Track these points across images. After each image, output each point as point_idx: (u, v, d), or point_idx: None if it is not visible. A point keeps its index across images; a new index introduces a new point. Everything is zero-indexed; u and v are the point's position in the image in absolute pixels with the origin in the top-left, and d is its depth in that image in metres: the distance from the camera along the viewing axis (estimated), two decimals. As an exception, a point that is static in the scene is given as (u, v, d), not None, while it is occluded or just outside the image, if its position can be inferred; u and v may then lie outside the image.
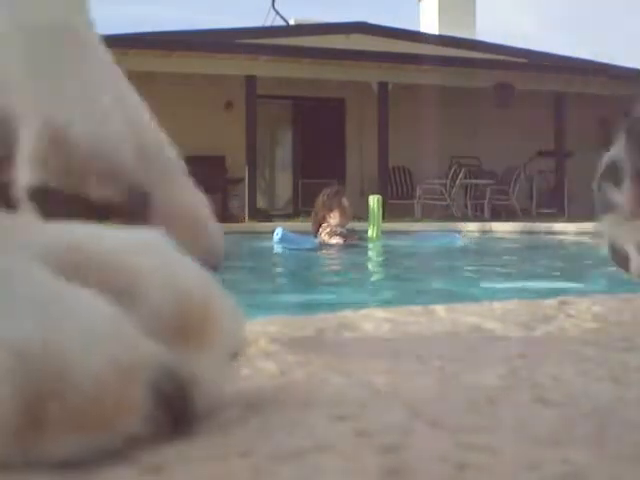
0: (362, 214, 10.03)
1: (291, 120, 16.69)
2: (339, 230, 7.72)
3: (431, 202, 15.31)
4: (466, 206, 15.80)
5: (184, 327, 0.48)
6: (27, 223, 0.52)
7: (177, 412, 0.46)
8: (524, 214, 15.19)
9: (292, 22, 18.13)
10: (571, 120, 15.79)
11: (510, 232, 11.47)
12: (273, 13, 18.67)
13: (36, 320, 0.43)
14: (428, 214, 14.84)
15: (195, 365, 0.48)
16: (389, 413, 0.51)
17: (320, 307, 3.78)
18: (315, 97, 16.07)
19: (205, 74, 14.24)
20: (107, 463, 0.42)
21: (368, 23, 16.38)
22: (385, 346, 0.77)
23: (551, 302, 1.07)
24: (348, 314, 0.97)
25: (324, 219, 7.83)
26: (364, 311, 0.99)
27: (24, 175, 0.55)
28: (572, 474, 0.39)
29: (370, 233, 8.99)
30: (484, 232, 11.74)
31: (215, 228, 0.67)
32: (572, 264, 6.82)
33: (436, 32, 17.99)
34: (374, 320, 0.92)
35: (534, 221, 12.96)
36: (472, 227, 12.20)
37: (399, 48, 14.92)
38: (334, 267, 6.81)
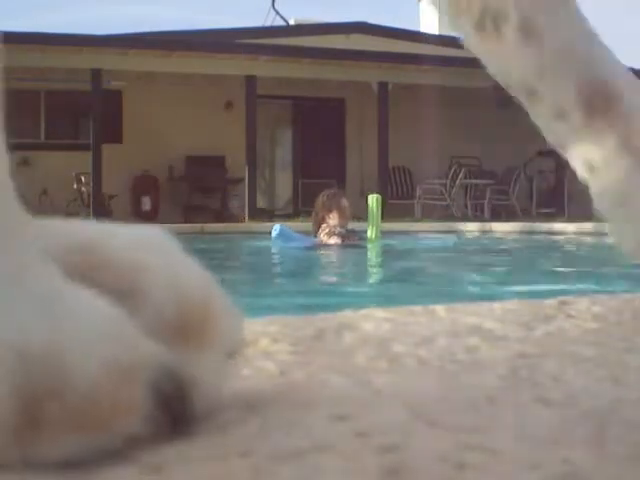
0: (362, 214, 10.03)
1: (291, 120, 16.69)
2: (337, 230, 7.74)
3: (431, 202, 15.31)
4: (466, 206, 15.79)
5: (185, 326, 0.48)
6: (43, 221, 0.52)
7: (176, 412, 0.45)
8: (524, 214, 15.18)
9: (292, 22, 18.13)
10: (571, 120, 15.77)
11: (510, 232, 11.46)
12: (273, 13, 18.70)
13: (37, 320, 0.43)
14: (428, 214, 14.83)
15: (195, 365, 0.48)
16: (389, 413, 0.51)
17: (315, 307, 3.78)
18: (315, 97, 16.07)
19: (205, 74, 14.23)
20: (107, 463, 0.42)
21: (368, 23, 16.38)
22: (385, 346, 0.77)
23: (551, 302, 1.07)
24: (348, 314, 0.97)
25: (324, 220, 7.86)
26: (364, 311, 0.99)
27: None
28: (572, 474, 0.39)
29: (369, 233, 8.98)
30: (484, 232, 11.73)
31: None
32: (572, 264, 6.82)
33: (436, 32, 17.99)
34: (374, 320, 0.92)
35: (534, 221, 12.95)
36: (472, 227, 12.19)
37: (399, 48, 14.92)
38: (331, 266, 6.81)
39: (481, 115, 16.03)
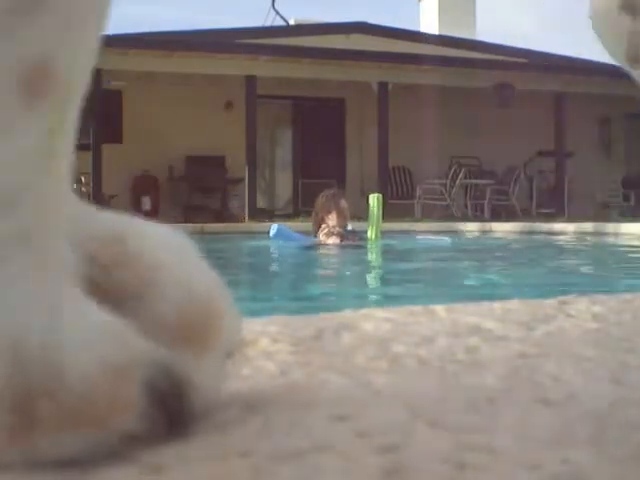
0: (362, 214, 10.02)
1: (291, 120, 16.69)
2: (336, 230, 7.76)
3: (431, 202, 15.31)
4: (466, 206, 15.79)
5: (189, 325, 0.49)
6: (80, 211, 0.53)
7: (172, 410, 0.45)
8: (524, 214, 15.18)
9: (292, 22, 18.12)
10: (571, 120, 15.79)
11: (510, 232, 11.46)
12: (273, 13, 18.68)
13: (32, 319, 0.43)
14: (428, 214, 14.83)
15: (195, 364, 0.48)
16: (389, 413, 0.51)
17: (311, 306, 3.78)
18: (315, 97, 16.07)
19: (205, 74, 14.23)
20: (107, 463, 0.42)
21: (368, 23, 16.37)
22: (385, 346, 0.77)
23: (551, 302, 1.07)
24: (348, 314, 0.97)
25: (323, 220, 7.88)
26: (364, 311, 0.99)
27: None
28: (572, 474, 0.39)
29: (369, 233, 8.97)
30: (484, 232, 11.73)
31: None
32: (572, 264, 6.82)
33: (436, 32, 17.99)
34: (374, 320, 0.92)
35: (534, 221, 12.95)
36: (472, 227, 12.19)
37: (399, 48, 14.91)
38: (331, 266, 6.82)
39: (481, 115, 16.03)
